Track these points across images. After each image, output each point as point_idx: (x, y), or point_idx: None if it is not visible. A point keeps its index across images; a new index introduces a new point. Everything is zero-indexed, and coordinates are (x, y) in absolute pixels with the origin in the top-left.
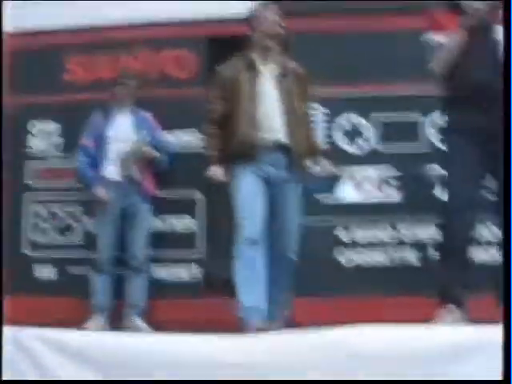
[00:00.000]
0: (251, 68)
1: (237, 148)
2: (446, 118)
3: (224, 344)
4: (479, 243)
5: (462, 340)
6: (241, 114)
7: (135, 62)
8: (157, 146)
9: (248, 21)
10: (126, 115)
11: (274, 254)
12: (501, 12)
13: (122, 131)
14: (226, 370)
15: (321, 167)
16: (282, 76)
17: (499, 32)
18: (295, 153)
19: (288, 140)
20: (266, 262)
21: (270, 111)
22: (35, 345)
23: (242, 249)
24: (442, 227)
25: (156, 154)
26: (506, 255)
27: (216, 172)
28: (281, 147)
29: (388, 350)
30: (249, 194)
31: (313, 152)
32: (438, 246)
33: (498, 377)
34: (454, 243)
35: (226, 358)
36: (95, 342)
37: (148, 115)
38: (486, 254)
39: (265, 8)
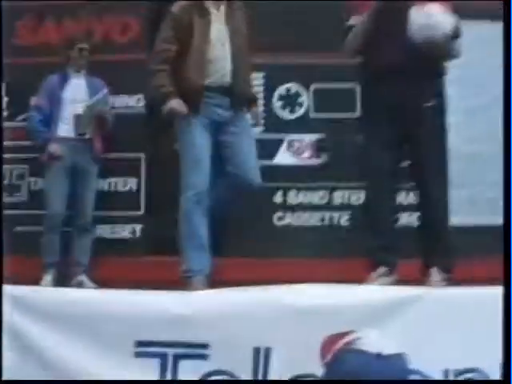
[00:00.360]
0: (204, 10)
1: (185, 94)
2: (364, 92)
3: (167, 298)
4: (403, 209)
5: (385, 299)
6: (191, 57)
7: (79, 27)
8: (105, 108)
9: None
10: (80, 78)
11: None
12: None
13: (78, 93)
14: (170, 322)
15: (252, 114)
16: (232, 18)
17: (414, 14)
18: (241, 95)
19: (234, 83)
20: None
21: (220, 54)
22: None
23: (189, 207)
24: (366, 194)
25: (108, 115)
26: (506, 257)
27: (177, 105)
28: (228, 90)
29: (320, 306)
30: (196, 148)
31: (251, 97)
32: (365, 211)
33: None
34: (378, 209)
35: (170, 310)
36: (48, 297)
37: (99, 80)
38: (409, 219)
39: None
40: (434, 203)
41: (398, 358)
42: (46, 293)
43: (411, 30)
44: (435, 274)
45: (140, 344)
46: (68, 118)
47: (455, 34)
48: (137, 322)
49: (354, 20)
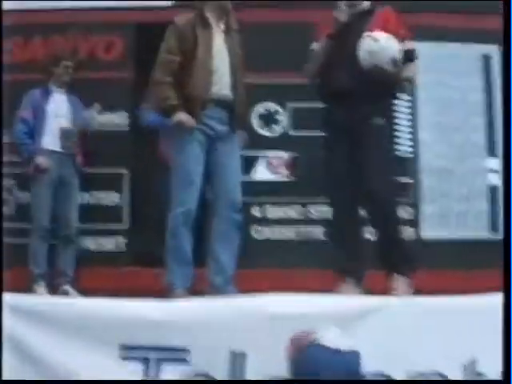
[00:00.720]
0: (206, 24)
1: (189, 106)
2: (322, 112)
3: (150, 305)
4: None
5: (350, 308)
6: (196, 69)
7: (67, 44)
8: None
9: None
10: (62, 94)
11: (219, 214)
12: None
13: (60, 107)
14: (152, 328)
15: (241, 134)
16: (230, 34)
17: (363, 41)
18: (238, 111)
19: (234, 97)
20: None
21: (220, 67)
22: None
23: (177, 224)
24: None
25: (90, 131)
26: (506, 259)
27: (183, 117)
28: (227, 104)
29: (291, 314)
30: (191, 165)
31: (245, 115)
32: (331, 225)
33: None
34: (342, 221)
35: (153, 317)
36: (40, 304)
37: (77, 98)
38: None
39: None
40: (385, 215)
41: (354, 354)
42: (38, 300)
43: (360, 56)
44: (397, 281)
45: (124, 348)
46: (52, 130)
47: (409, 58)
48: (122, 328)
49: (315, 45)
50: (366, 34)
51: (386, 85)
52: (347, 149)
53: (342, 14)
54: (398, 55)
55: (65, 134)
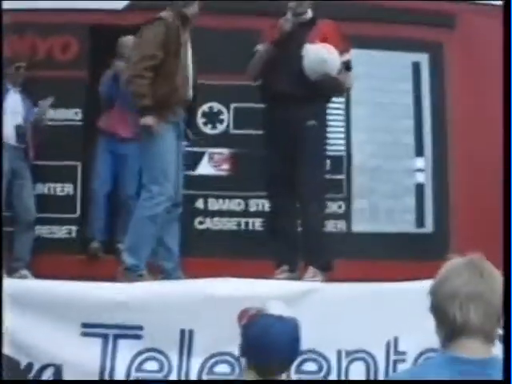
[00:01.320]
0: (186, 25)
1: (169, 104)
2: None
3: (108, 287)
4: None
5: (284, 291)
6: (179, 68)
7: (23, 45)
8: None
9: None
10: (17, 93)
11: (171, 206)
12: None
13: (16, 105)
14: (110, 308)
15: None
16: (191, 41)
17: (306, 50)
18: (195, 111)
19: (194, 100)
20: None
21: (190, 69)
22: None
23: (159, 208)
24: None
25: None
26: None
27: (150, 122)
28: (188, 105)
29: (234, 296)
30: (171, 152)
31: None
32: (270, 217)
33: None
34: (279, 213)
35: (111, 297)
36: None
37: (30, 96)
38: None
39: None
40: (309, 211)
41: (294, 320)
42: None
43: (303, 64)
44: (310, 271)
45: (85, 326)
46: (7, 126)
47: (346, 68)
48: (82, 307)
49: (259, 47)
50: (310, 43)
51: (322, 90)
52: (283, 147)
53: (287, 23)
54: (338, 66)
55: (20, 130)
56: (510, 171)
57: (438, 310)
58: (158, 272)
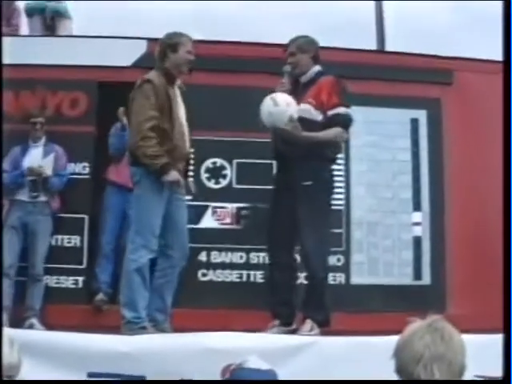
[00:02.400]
0: (172, 82)
1: (172, 159)
2: None
3: (112, 338)
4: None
5: (274, 345)
6: (175, 125)
7: (34, 100)
8: (56, 171)
9: (166, 46)
10: (39, 148)
11: (167, 264)
12: None
13: (34, 162)
14: (114, 358)
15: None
16: (182, 94)
17: (263, 102)
18: (190, 166)
19: (189, 153)
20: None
21: (185, 124)
22: None
23: (143, 260)
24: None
25: (47, 173)
26: (506, 266)
27: (177, 177)
28: (186, 159)
29: (229, 349)
30: (158, 205)
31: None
32: (267, 272)
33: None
34: (276, 268)
35: (115, 348)
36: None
37: (58, 147)
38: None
39: (182, 38)
40: (310, 266)
41: (271, 371)
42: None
43: (261, 116)
44: (307, 325)
45: (91, 375)
46: (24, 183)
47: (336, 123)
48: (88, 357)
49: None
50: (268, 95)
51: (313, 149)
52: (283, 204)
53: (282, 87)
54: (295, 116)
55: (33, 185)
56: (510, 225)
57: (403, 371)
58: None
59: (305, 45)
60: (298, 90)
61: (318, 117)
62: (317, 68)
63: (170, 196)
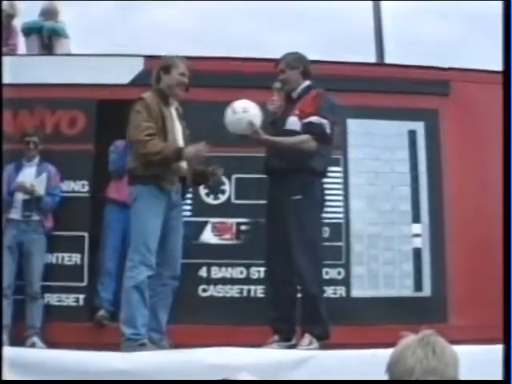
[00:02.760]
0: (167, 102)
1: (162, 173)
2: None
3: (111, 356)
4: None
5: (274, 360)
6: (167, 139)
7: (32, 119)
8: (48, 190)
9: (160, 68)
10: (32, 167)
11: (158, 282)
12: None
13: (26, 180)
14: (114, 375)
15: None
16: (179, 115)
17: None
18: (188, 182)
19: (188, 169)
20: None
21: (180, 142)
22: None
23: (141, 277)
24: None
25: (39, 192)
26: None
27: (195, 148)
28: (182, 176)
29: (229, 365)
30: (154, 222)
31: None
32: (267, 288)
33: None
34: (275, 283)
35: (114, 366)
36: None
37: (51, 167)
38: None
39: (175, 60)
40: (303, 281)
41: None
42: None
43: (226, 126)
44: (306, 339)
45: None
46: (17, 201)
47: (310, 131)
48: (88, 375)
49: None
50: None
51: (299, 163)
52: (276, 218)
53: (271, 105)
54: (255, 120)
55: (26, 205)
56: (510, 235)
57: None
58: None
59: (293, 61)
60: (289, 105)
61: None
62: (306, 83)
63: (167, 215)
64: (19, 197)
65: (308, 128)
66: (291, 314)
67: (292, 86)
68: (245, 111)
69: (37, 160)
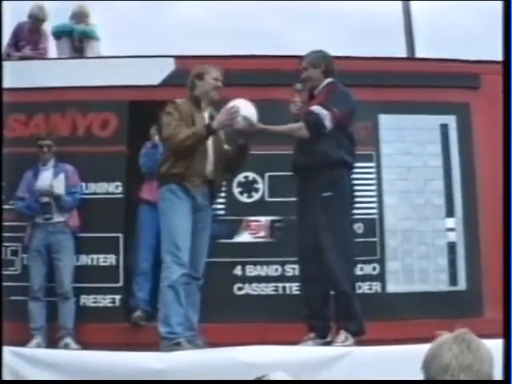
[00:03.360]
0: (199, 107)
1: (187, 176)
2: None
3: (147, 356)
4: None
5: (309, 357)
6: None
7: (64, 122)
8: (68, 189)
9: (193, 76)
10: (48, 170)
11: (191, 278)
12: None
13: (44, 184)
14: (150, 376)
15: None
16: (211, 120)
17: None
18: (217, 186)
19: (216, 174)
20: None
21: (209, 149)
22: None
23: (175, 276)
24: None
25: (58, 192)
26: (505, 269)
27: (221, 117)
28: (209, 180)
29: (266, 362)
30: (180, 221)
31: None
32: (300, 286)
33: None
34: (307, 283)
35: (150, 366)
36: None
37: (68, 166)
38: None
39: (206, 67)
40: (334, 278)
41: None
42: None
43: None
44: (341, 336)
45: None
46: (37, 206)
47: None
48: (124, 376)
49: None
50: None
51: (325, 161)
52: (307, 216)
53: (294, 107)
54: (248, 115)
55: (46, 207)
56: (510, 234)
57: (432, 382)
58: None
59: (316, 60)
60: (311, 102)
61: None
62: (327, 80)
63: (196, 215)
64: (39, 200)
65: (305, 116)
66: (325, 311)
67: (314, 83)
68: (237, 110)
69: (52, 162)
